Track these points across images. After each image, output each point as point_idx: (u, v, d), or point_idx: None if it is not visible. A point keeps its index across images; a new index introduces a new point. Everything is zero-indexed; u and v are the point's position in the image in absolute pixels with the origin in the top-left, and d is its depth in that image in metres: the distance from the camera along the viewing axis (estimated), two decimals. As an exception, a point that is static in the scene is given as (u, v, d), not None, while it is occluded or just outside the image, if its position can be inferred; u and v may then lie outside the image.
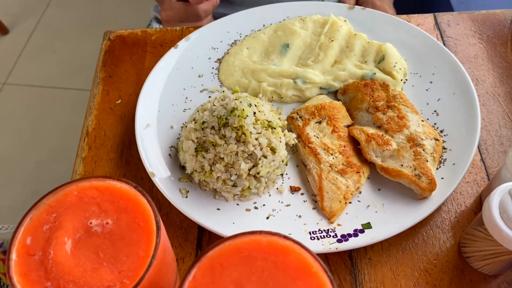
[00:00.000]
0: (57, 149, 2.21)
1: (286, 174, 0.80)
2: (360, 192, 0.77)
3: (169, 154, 0.81)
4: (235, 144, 0.72)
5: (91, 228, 0.48)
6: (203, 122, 0.74)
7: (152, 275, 0.45)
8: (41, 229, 0.47)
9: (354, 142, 0.81)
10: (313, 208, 0.76)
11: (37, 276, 0.45)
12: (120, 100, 0.93)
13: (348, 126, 0.83)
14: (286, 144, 0.80)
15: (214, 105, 0.76)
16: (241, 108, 0.72)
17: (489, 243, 0.66)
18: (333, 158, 0.78)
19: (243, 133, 0.72)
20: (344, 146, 0.80)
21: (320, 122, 0.82)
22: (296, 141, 0.81)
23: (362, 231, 0.71)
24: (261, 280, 0.44)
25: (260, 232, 0.46)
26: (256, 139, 0.73)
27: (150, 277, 0.45)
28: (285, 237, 0.46)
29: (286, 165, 0.81)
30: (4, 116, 2.38)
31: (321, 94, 0.89)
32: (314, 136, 0.81)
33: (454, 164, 0.76)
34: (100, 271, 0.45)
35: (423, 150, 0.76)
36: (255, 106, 0.74)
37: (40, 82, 2.54)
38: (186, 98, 0.89)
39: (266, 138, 0.74)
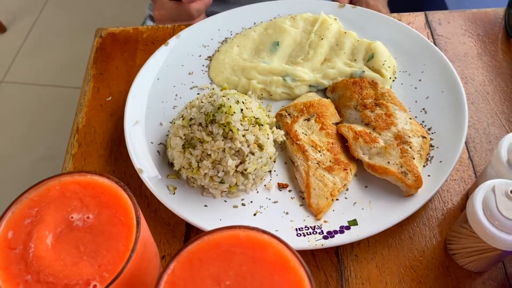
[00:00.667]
0: (54, 147, 2.21)
1: (274, 171, 0.80)
2: (347, 189, 0.77)
3: (158, 151, 0.82)
4: (222, 140, 0.72)
5: (73, 223, 0.48)
6: (191, 119, 0.74)
7: (132, 269, 0.46)
8: (23, 223, 0.48)
9: (342, 140, 0.81)
10: (300, 205, 0.76)
11: (18, 270, 0.45)
12: (110, 97, 0.93)
13: (336, 124, 0.83)
14: (275, 141, 0.81)
15: (202, 102, 0.76)
16: (228, 105, 0.72)
17: (473, 240, 0.66)
18: (321, 155, 0.78)
19: (230, 130, 0.72)
20: (332, 143, 0.80)
21: (308, 120, 0.82)
22: (285, 138, 0.81)
23: (348, 227, 0.72)
24: (239, 275, 0.44)
25: (239, 227, 0.47)
26: (243, 135, 0.73)
27: (129, 271, 0.45)
28: (264, 231, 0.46)
29: (274, 162, 0.81)
30: (2, 114, 2.38)
31: (310, 91, 0.89)
32: (302, 133, 0.81)
33: (441, 161, 0.77)
34: (80, 264, 0.45)
35: (410, 147, 0.77)
36: (243, 103, 0.75)
37: (37, 80, 2.54)
38: (176, 95, 0.89)
39: (254, 135, 0.74)
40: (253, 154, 0.75)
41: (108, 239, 0.47)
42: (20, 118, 2.36)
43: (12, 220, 0.48)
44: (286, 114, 0.83)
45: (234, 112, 0.72)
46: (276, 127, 0.84)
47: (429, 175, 0.76)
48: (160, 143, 0.83)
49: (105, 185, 0.50)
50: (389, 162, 0.75)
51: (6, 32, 2.75)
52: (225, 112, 0.72)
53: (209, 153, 0.73)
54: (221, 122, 0.72)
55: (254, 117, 0.75)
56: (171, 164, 0.79)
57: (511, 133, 0.69)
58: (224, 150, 0.73)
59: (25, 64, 2.63)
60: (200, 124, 0.73)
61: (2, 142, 2.26)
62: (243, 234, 0.46)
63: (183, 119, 0.76)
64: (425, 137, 0.79)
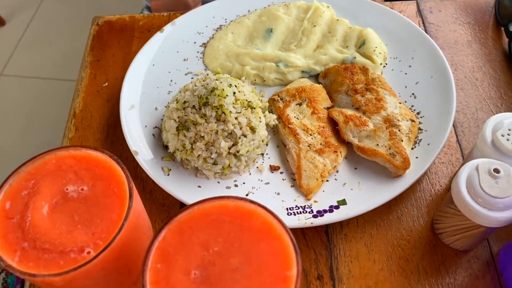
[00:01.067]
0: (54, 140, 2.23)
1: (267, 154, 0.82)
2: (337, 171, 0.79)
3: (153, 134, 0.84)
4: (215, 123, 0.74)
5: (68, 194, 0.50)
6: (185, 102, 0.76)
7: (124, 238, 0.47)
8: (20, 194, 0.50)
9: (333, 124, 0.83)
10: (291, 186, 0.78)
11: (15, 238, 0.47)
12: (107, 83, 0.95)
13: (327, 108, 0.85)
14: (267, 125, 0.82)
15: (196, 86, 0.78)
16: (221, 88, 0.74)
17: (459, 218, 0.68)
18: (312, 138, 0.80)
19: (223, 112, 0.74)
20: (323, 127, 0.82)
21: (300, 104, 0.84)
22: (277, 122, 0.83)
23: (337, 207, 0.74)
24: (227, 241, 0.46)
25: (228, 197, 0.49)
26: (235, 118, 0.75)
27: (122, 240, 0.47)
28: (251, 201, 0.48)
29: (267, 145, 0.83)
30: (1, 107, 2.40)
31: (302, 77, 0.91)
32: (294, 117, 0.83)
33: (428, 144, 0.79)
34: (75, 233, 0.47)
35: (399, 130, 0.79)
36: (235, 86, 0.77)
37: (36, 74, 2.55)
38: (171, 80, 0.91)
39: (246, 118, 0.76)
40: (245, 136, 0.77)
41: (102, 209, 0.49)
42: (19, 111, 2.38)
43: (10, 191, 0.50)
44: (279, 98, 0.85)
45: (227, 95, 0.74)
46: (269, 111, 0.86)
47: (417, 157, 0.78)
48: (155, 127, 0.85)
49: (100, 158, 0.52)
50: (378, 144, 0.77)
51: (5, 26, 2.76)
52: (218, 95, 0.74)
53: (202, 135, 0.75)
54: (214, 105, 0.74)
55: (247, 100, 0.76)
56: (166, 147, 0.81)
57: (496, 115, 0.71)
58: (217, 132, 0.75)
59: (24, 58, 2.64)
60: (193, 106, 0.75)
61: (1, 135, 2.27)
62: (231, 204, 0.48)
63: (177, 102, 0.78)
64: (414, 121, 0.81)
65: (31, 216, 0.48)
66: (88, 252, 0.46)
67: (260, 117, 0.79)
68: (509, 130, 0.68)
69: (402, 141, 0.77)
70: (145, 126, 0.84)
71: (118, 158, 0.51)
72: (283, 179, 0.79)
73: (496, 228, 0.67)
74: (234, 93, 0.75)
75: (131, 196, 0.49)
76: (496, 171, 0.63)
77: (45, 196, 0.49)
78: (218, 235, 0.46)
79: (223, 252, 0.45)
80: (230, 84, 0.76)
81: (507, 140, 0.67)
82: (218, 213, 0.48)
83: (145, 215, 0.56)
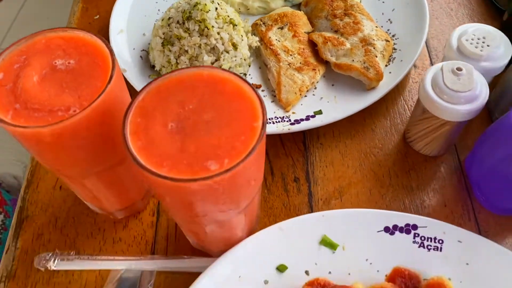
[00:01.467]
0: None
1: (249, 74, 0.87)
2: (315, 87, 0.83)
3: (141, 56, 0.88)
4: (198, 37, 0.78)
5: (56, 66, 0.54)
6: (169, 18, 0.80)
7: (107, 101, 0.52)
8: (12, 67, 0.54)
9: (313, 46, 0.87)
10: (272, 102, 0.82)
11: (8, 101, 0.51)
12: (98, 16, 0.99)
13: (308, 33, 0.89)
14: (250, 46, 0.87)
15: (180, 3, 0.82)
16: (204, 3, 0.78)
17: (427, 121, 0.73)
18: (292, 58, 0.84)
19: (206, 27, 0.78)
20: (303, 49, 0.86)
21: (282, 28, 0.88)
22: (259, 44, 0.87)
23: (313, 116, 0.78)
24: (202, 101, 0.50)
25: (203, 66, 0.53)
26: (218, 33, 0.79)
27: (105, 102, 0.51)
28: (224, 70, 0.52)
29: (249, 66, 0.87)
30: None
31: (285, 6, 0.95)
32: (276, 39, 0.87)
33: (402, 60, 0.83)
34: (63, 96, 0.51)
35: (374, 48, 0.83)
36: (218, 4, 0.81)
37: (33, 47, 2.58)
38: (158, 10, 0.95)
39: (228, 34, 0.80)
40: (227, 52, 0.81)
41: (87, 78, 0.53)
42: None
43: (2, 65, 0.54)
44: (261, 23, 0.89)
45: (209, 10, 0.78)
46: (252, 35, 0.90)
47: (390, 72, 0.82)
48: (143, 50, 0.89)
49: (86, 38, 0.56)
50: (353, 60, 0.82)
51: (2, 2, 2.79)
52: (201, 10, 0.78)
53: (186, 49, 0.79)
54: (197, 19, 0.78)
55: (229, 16, 0.81)
56: (153, 67, 0.85)
57: (462, 25, 0.75)
58: (200, 46, 0.79)
59: (21, 33, 2.66)
60: (177, 22, 0.79)
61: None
62: (205, 72, 0.52)
63: (162, 20, 0.82)
64: (389, 41, 0.85)
65: (22, 83, 0.52)
66: (74, 110, 0.51)
67: (242, 35, 0.83)
68: (473, 35, 0.72)
69: (376, 57, 0.82)
70: (133, 49, 0.88)
71: (102, 37, 0.56)
72: (264, 96, 0.83)
73: (461, 128, 0.72)
74: (216, 8, 0.79)
75: (114, 67, 0.53)
76: (459, 69, 0.67)
77: (35, 68, 0.54)
78: (193, 96, 0.51)
79: (197, 109, 0.50)
80: (213, 1, 0.80)
81: (471, 44, 0.72)
82: (193, 80, 0.52)
83: (127, 92, 0.60)
